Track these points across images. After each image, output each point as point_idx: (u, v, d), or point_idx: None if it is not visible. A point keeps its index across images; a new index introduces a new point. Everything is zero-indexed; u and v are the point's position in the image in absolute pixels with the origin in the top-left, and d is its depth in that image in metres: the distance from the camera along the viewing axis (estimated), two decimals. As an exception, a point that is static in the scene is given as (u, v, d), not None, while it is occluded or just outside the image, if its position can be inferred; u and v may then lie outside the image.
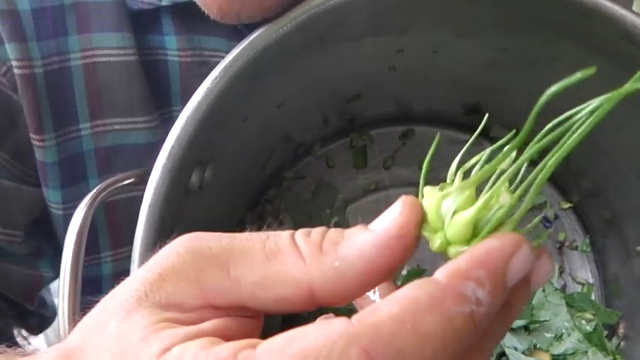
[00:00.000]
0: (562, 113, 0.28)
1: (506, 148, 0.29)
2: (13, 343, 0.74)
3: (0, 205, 0.69)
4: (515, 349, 0.67)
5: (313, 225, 0.81)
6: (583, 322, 0.71)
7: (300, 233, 0.30)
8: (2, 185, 0.69)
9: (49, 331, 0.95)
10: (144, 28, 0.70)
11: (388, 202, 0.84)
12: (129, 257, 0.74)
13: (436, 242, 0.29)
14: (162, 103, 0.72)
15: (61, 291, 0.50)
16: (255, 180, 0.72)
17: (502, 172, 0.29)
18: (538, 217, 0.78)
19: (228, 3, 0.56)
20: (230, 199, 0.69)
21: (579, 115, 0.27)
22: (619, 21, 0.53)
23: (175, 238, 0.31)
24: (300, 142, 0.73)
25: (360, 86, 0.68)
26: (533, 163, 0.28)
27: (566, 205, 0.77)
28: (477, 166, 0.30)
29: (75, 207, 0.71)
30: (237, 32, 0.70)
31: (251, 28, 0.68)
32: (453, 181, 0.30)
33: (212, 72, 0.51)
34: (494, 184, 0.29)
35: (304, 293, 0.29)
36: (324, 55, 0.59)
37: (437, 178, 0.84)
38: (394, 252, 0.28)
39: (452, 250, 0.29)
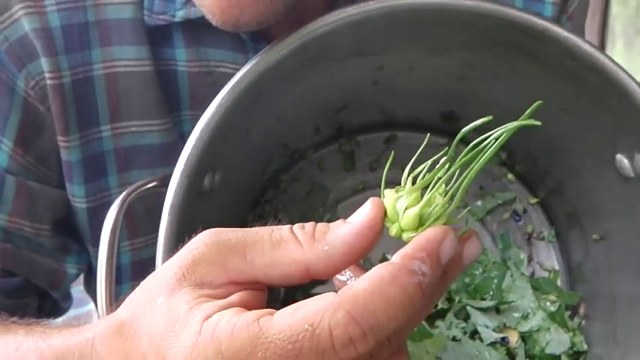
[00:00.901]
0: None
1: (442, 161, 0.40)
2: (36, 319, 0.83)
3: (27, 203, 0.78)
4: (487, 327, 0.76)
5: (308, 222, 0.90)
6: (548, 303, 0.80)
7: (297, 226, 0.40)
8: (29, 185, 0.78)
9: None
10: (158, 41, 0.79)
11: (374, 200, 0.92)
12: (145, 247, 0.83)
13: (394, 230, 0.40)
14: (173, 108, 0.81)
15: (99, 281, 0.59)
16: (255, 183, 0.81)
17: (438, 179, 0.40)
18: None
19: (229, 9, 0.63)
20: (234, 200, 0.78)
21: (490, 139, 0.38)
22: (564, 42, 0.62)
23: (199, 233, 0.41)
24: (295, 149, 0.82)
25: (346, 98, 0.77)
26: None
27: (534, 200, 0.86)
28: (421, 174, 0.40)
29: (96, 200, 0.80)
30: (242, 45, 0.78)
31: (255, 39, 0.76)
32: (406, 183, 0.41)
33: (221, 91, 0.60)
34: (433, 188, 0.40)
35: (302, 269, 0.39)
36: (315, 74, 0.67)
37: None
38: (367, 238, 0.39)
39: (405, 236, 0.40)
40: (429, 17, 0.63)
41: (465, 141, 0.87)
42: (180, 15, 0.77)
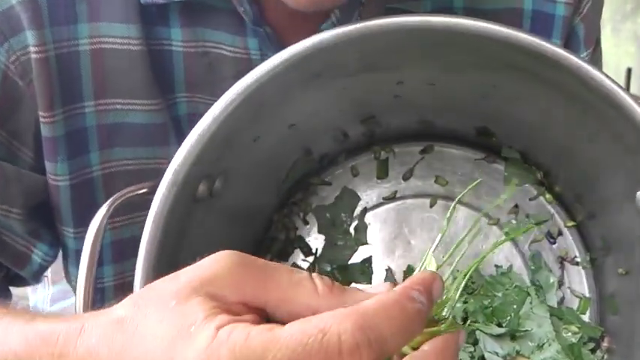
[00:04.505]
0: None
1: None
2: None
3: None
4: (497, 353, 0.74)
5: (335, 227, 0.89)
6: (569, 333, 0.77)
7: (315, 276, 0.44)
8: (1, 165, 0.78)
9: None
10: (152, 20, 0.77)
11: (404, 210, 0.91)
12: (126, 226, 0.83)
13: None
14: (167, 90, 0.79)
15: (79, 282, 0.60)
16: (279, 186, 0.81)
17: None
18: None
19: None
20: (254, 202, 0.78)
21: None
22: (576, 71, 0.59)
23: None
24: (322, 154, 0.81)
25: (370, 110, 0.76)
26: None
27: (570, 224, 0.82)
28: None
29: (78, 177, 0.80)
30: (241, 27, 0.77)
31: (256, 23, 0.75)
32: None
33: (216, 103, 0.60)
34: None
35: (312, 314, 0.41)
36: (324, 88, 0.67)
37: (452, 191, 0.90)
38: None
39: None
40: (435, 37, 0.61)
41: (497, 153, 0.84)
42: None
